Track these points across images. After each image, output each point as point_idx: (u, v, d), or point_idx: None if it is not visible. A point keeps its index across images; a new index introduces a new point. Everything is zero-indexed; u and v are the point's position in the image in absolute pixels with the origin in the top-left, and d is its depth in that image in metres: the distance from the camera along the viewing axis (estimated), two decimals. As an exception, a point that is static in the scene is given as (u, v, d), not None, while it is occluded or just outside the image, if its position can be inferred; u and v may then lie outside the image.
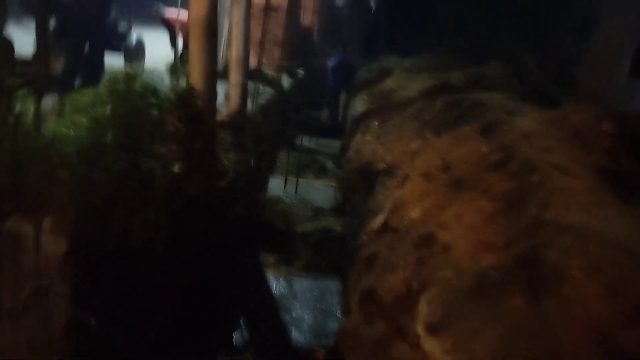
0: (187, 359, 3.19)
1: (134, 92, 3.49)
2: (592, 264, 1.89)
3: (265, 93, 7.73)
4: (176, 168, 3.58)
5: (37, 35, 3.52)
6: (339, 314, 3.57)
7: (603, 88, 6.21)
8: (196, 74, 4.17)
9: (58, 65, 5.71)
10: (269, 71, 8.89)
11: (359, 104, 8.12)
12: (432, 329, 2.22)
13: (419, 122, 5.38)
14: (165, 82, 3.92)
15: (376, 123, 6.34)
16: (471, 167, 3.28)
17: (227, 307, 3.77)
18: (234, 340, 3.37)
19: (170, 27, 8.16)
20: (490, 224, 2.60)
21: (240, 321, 3.56)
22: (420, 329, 2.29)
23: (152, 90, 3.63)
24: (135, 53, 8.19)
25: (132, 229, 3.11)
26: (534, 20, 9.50)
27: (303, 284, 3.99)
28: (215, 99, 4.39)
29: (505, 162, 3.07)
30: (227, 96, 5.99)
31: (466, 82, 6.64)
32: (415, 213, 3.20)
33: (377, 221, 3.58)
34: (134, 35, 8.37)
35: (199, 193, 3.79)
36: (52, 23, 5.63)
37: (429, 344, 2.14)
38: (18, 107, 2.73)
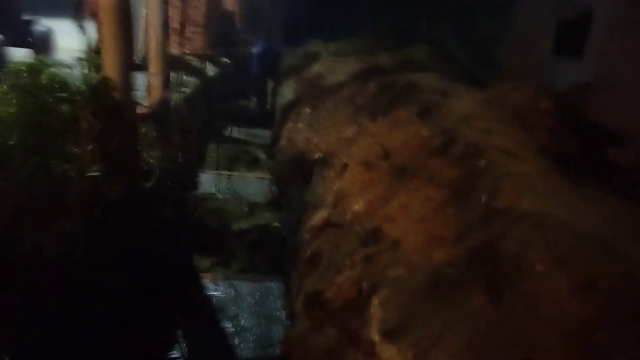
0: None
1: (40, 86, 3.06)
2: (554, 255, 1.77)
3: (189, 83, 7.28)
4: (94, 170, 3.18)
5: None
6: (283, 318, 3.35)
7: (525, 67, 6.33)
8: (110, 63, 3.73)
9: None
10: (191, 59, 8.40)
11: (287, 91, 7.84)
12: (389, 335, 2.04)
13: (352, 106, 5.21)
14: (76, 73, 3.48)
15: (307, 110, 6.11)
16: (413, 153, 3.13)
17: (161, 319, 3.42)
18: (170, 356, 3.04)
19: (83, 8, 7.50)
20: (440, 215, 2.46)
21: (177, 334, 3.24)
22: (375, 335, 2.11)
23: (61, 83, 3.19)
24: (42, 44, 7.43)
25: (46, 242, 2.73)
26: (453, 2, 9.60)
27: (243, 288, 3.72)
28: (132, 90, 3.97)
29: (448, 147, 2.94)
30: (147, 87, 5.53)
31: (395, 64, 6.55)
32: (358, 206, 3.02)
33: (318, 216, 3.36)
34: (41, 26, 7.59)
35: (122, 196, 3.41)
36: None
37: (387, 353, 1.96)
38: None
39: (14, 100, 2.90)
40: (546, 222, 1.95)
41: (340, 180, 3.52)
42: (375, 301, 2.26)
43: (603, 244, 1.77)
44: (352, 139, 4.14)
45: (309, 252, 3.15)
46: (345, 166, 3.64)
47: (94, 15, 7.21)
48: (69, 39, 7.42)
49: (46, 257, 2.72)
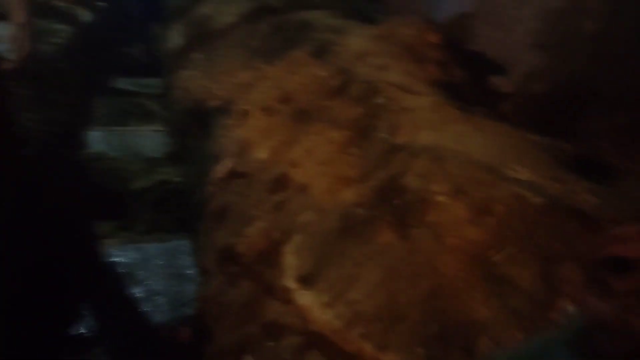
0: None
1: None
2: (454, 186, 1.86)
3: (61, 31, 6.56)
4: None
5: None
6: (195, 276, 3.26)
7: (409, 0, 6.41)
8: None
9: None
10: (59, 4, 7.53)
11: (175, 36, 7.33)
12: (304, 281, 2.06)
13: (245, 50, 5.00)
14: None
15: (199, 55, 5.78)
16: (312, 95, 3.09)
17: (63, 294, 3.21)
18: (76, 333, 2.87)
19: None
20: (344, 156, 2.47)
21: (82, 308, 3.05)
22: (290, 283, 2.12)
23: None
24: None
25: None
26: None
27: (149, 250, 3.56)
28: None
29: (346, 87, 2.93)
30: (11, 39, 4.88)
31: (285, 2, 6.34)
32: (262, 153, 2.95)
33: (222, 167, 3.26)
34: None
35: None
36: None
37: (304, 298, 1.99)
38: None
39: None
40: (444, 155, 2.02)
41: (241, 128, 3.41)
42: (287, 249, 2.26)
43: (495, 170, 1.88)
44: (249, 84, 4.00)
45: (215, 206, 3.07)
46: (245, 113, 3.52)
47: None
48: None
49: None
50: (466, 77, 3.12)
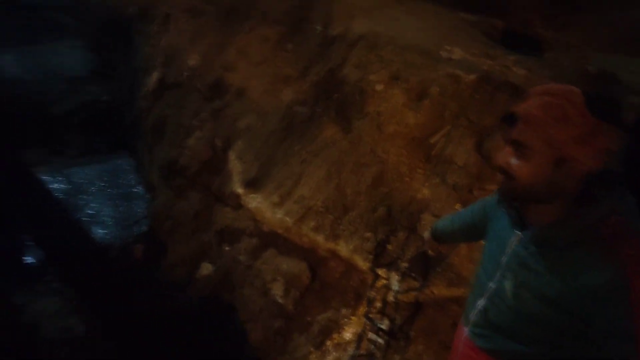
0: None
1: None
2: (391, 73, 1.84)
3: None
4: None
5: None
6: (142, 192, 3.17)
7: None
8: None
9: None
10: None
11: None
12: (252, 185, 2.05)
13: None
14: None
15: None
16: (238, -9, 2.88)
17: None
18: (25, 263, 2.77)
19: None
20: (280, 53, 2.37)
21: (25, 239, 2.92)
22: (239, 188, 2.11)
23: None
24: None
25: None
26: None
27: (87, 173, 3.39)
28: None
29: (274, -22, 2.74)
30: None
31: None
32: (193, 60, 2.79)
33: (151, 80, 3.07)
34: None
35: None
36: None
37: (253, 202, 1.99)
38: None
39: None
40: (379, 42, 1.98)
41: (166, 34, 3.18)
42: (231, 155, 2.22)
43: (429, 52, 1.86)
44: (167, -15, 3.67)
45: (151, 121, 2.94)
46: (167, 17, 3.26)
47: None
48: None
49: None
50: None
